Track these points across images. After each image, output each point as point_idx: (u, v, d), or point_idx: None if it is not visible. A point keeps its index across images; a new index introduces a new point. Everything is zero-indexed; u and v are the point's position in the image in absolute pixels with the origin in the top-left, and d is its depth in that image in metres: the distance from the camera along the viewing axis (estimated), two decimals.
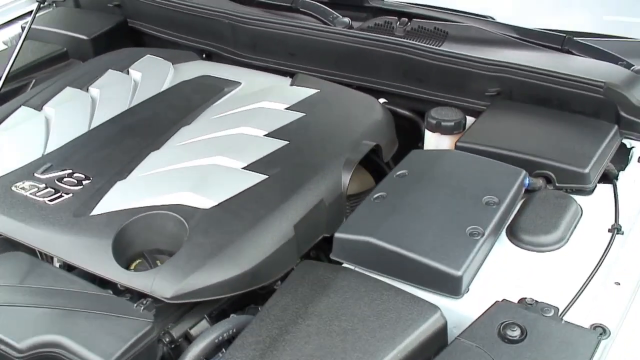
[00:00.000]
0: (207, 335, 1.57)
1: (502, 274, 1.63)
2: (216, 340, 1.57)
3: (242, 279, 1.65)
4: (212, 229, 1.71)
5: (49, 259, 1.81)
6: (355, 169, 2.08)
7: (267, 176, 1.87)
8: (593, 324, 1.44)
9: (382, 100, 2.40)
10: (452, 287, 1.56)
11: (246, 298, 1.76)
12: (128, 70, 2.47)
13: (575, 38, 2.35)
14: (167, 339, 1.61)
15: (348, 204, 1.99)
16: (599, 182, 1.91)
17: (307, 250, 1.84)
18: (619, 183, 1.90)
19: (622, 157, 2.04)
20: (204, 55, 2.79)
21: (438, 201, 1.74)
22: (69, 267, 1.75)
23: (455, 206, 1.72)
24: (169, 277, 1.60)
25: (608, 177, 1.93)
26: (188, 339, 1.64)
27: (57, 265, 1.79)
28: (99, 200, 1.80)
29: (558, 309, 1.48)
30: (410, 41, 2.37)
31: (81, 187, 1.86)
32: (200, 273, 1.61)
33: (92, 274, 1.68)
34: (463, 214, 1.68)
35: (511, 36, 2.39)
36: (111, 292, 1.63)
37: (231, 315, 1.68)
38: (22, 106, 2.25)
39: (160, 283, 1.59)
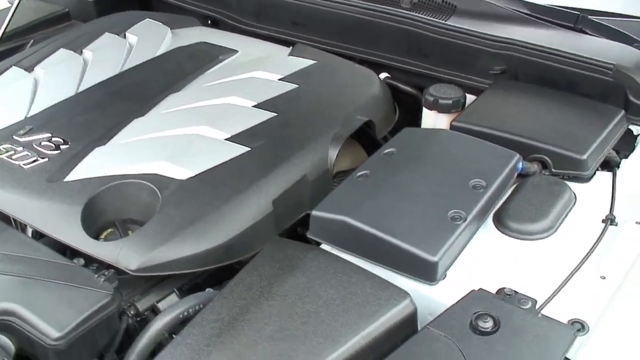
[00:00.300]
0: (172, 310, 1.52)
1: (484, 261, 1.55)
2: (181, 316, 1.51)
3: (213, 254, 1.60)
4: (186, 200, 1.65)
5: (22, 225, 1.77)
6: (350, 145, 2.01)
7: (249, 149, 1.80)
8: (571, 319, 1.36)
9: (383, 75, 2.32)
10: (427, 272, 1.48)
11: (223, 273, 1.70)
12: (125, 34, 2.41)
13: (589, 17, 2.22)
14: (132, 312, 1.56)
15: (337, 180, 1.91)
16: (600, 169, 1.81)
17: (287, 226, 1.77)
18: (619, 171, 1.79)
19: (628, 144, 1.93)
20: (209, 22, 2.73)
21: (423, 182, 1.66)
22: (40, 235, 1.71)
23: (440, 188, 1.64)
24: (135, 249, 1.55)
25: (609, 165, 1.83)
26: (155, 312, 1.59)
27: (30, 232, 1.75)
28: (75, 166, 1.76)
29: (536, 301, 1.39)
30: (416, 14, 2.27)
31: (58, 151, 1.81)
32: (169, 246, 1.56)
33: (63, 244, 1.63)
34: (447, 197, 1.60)
35: (522, 12, 2.27)
36: (78, 262, 1.58)
37: (207, 289, 1.63)
38: (13, 67, 2.21)
39: (126, 254, 1.54)
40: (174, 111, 1.98)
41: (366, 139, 2.12)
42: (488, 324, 1.33)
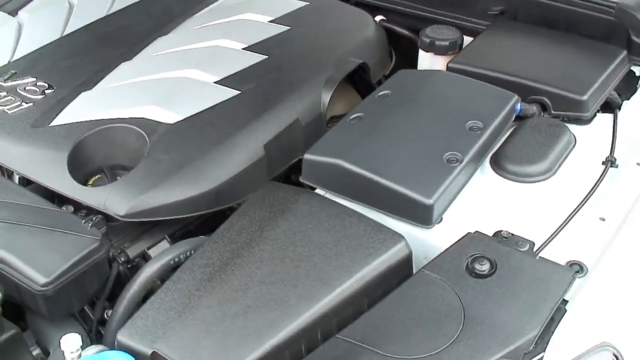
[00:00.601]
0: (163, 256, 1.48)
1: (481, 204, 1.51)
2: (172, 262, 1.48)
3: (203, 199, 1.56)
4: (174, 145, 1.61)
5: (9, 172, 1.73)
6: (344, 89, 1.96)
7: (239, 92, 1.75)
8: (570, 261, 1.33)
9: (379, 17, 2.25)
10: (422, 216, 1.45)
11: (216, 220, 1.67)
12: None
13: None
14: (123, 259, 1.53)
15: (331, 125, 1.86)
16: (600, 111, 1.76)
17: (280, 171, 1.73)
18: (620, 113, 1.75)
19: (630, 85, 1.88)
20: None
21: (418, 124, 1.62)
22: (27, 182, 1.67)
23: (435, 130, 1.59)
24: (123, 194, 1.51)
25: (610, 106, 1.78)
26: (146, 259, 1.56)
27: (17, 179, 1.71)
28: (60, 111, 1.70)
29: (534, 244, 1.36)
30: None
31: (43, 96, 1.76)
32: (157, 190, 1.52)
33: (51, 190, 1.59)
34: (443, 139, 1.56)
35: None
36: (66, 210, 1.54)
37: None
38: None
39: (114, 199, 1.50)
40: (162, 54, 1.92)
41: (361, 83, 2.07)
42: (484, 267, 1.31)
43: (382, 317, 1.24)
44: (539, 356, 1.17)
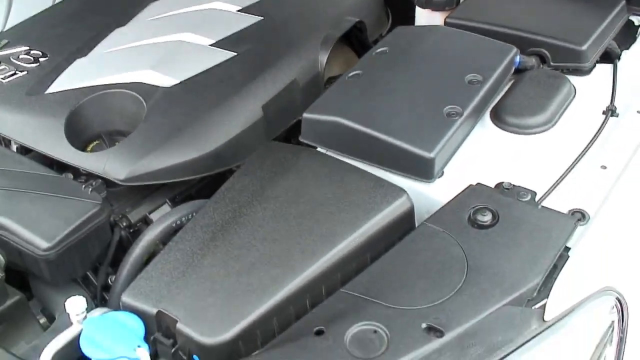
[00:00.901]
0: (165, 220, 1.48)
1: (482, 157, 1.51)
2: (174, 225, 1.48)
3: (203, 162, 1.56)
4: (172, 108, 1.60)
5: (6, 141, 1.72)
6: (342, 50, 1.94)
7: (235, 54, 1.73)
8: (572, 209, 1.33)
9: None
10: (424, 170, 1.44)
11: (217, 184, 1.66)
12: None
13: None
14: (124, 223, 1.53)
15: (329, 86, 1.85)
16: (600, 61, 1.74)
17: (279, 133, 1.72)
18: (620, 63, 1.73)
19: (629, 35, 1.86)
20: None
21: (417, 80, 1.60)
22: (26, 151, 1.66)
23: (435, 85, 1.58)
24: (123, 158, 1.51)
25: (610, 57, 1.76)
26: (147, 223, 1.56)
27: (15, 148, 1.70)
28: (55, 78, 1.69)
29: (535, 194, 1.36)
30: None
31: (37, 64, 1.74)
32: (156, 154, 1.52)
33: (50, 158, 1.59)
34: (442, 94, 1.54)
35: None
36: (65, 176, 1.54)
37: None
38: None
39: (113, 164, 1.50)
40: (156, 19, 1.91)
41: (358, 43, 2.05)
42: (487, 218, 1.30)
43: (386, 270, 1.24)
44: (542, 302, 1.17)
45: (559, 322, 1.15)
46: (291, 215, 1.34)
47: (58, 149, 1.54)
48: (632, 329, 1.22)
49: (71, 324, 1.26)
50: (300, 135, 1.59)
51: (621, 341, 1.21)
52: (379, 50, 1.72)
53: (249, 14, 1.88)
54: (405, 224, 1.37)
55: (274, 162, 1.46)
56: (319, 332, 1.15)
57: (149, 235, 1.46)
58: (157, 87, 1.64)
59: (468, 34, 1.74)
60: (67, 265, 1.38)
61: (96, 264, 1.50)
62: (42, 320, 1.45)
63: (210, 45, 1.77)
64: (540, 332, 1.14)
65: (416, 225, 1.39)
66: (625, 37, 1.85)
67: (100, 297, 1.50)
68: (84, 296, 1.28)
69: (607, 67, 1.73)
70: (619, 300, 1.21)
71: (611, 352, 1.20)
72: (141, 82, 1.65)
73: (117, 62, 1.74)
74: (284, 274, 1.24)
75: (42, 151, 1.56)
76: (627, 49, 1.80)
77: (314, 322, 1.17)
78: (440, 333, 1.12)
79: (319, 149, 1.56)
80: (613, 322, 1.20)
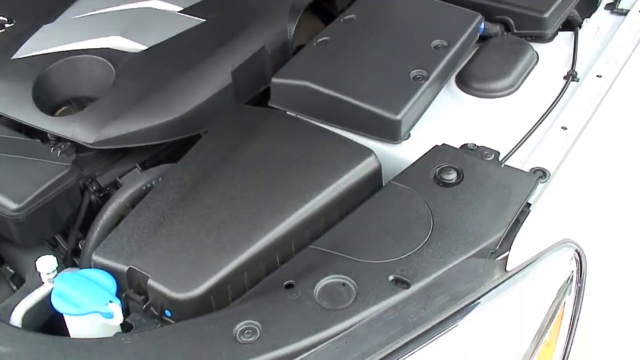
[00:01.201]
0: (134, 183, 1.49)
1: (447, 120, 1.54)
2: (144, 188, 1.49)
3: (172, 126, 1.56)
4: (141, 73, 1.60)
5: None
6: (310, 18, 1.95)
7: (204, 20, 1.74)
8: (534, 168, 1.37)
9: None
10: (390, 132, 1.47)
11: (186, 148, 1.67)
12: None
13: None
14: (94, 187, 1.53)
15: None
16: (562, 29, 1.79)
17: (249, 99, 1.73)
18: (581, 31, 1.77)
19: (590, 5, 1.90)
20: None
21: (384, 45, 1.63)
22: None
23: (401, 50, 1.61)
24: (92, 122, 1.51)
25: (571, 25, 1.81)
26: (117, 187, 1.56)
27: None
28: (21, 44, 1.68)
29: (499, 153, 1.40)
30: None
31: (2, 30, 1.73)
32: (126, 118, 1.52)
33: (19, 123, 1.58)
34: (409, 58, 1.57)
35: None
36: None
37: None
38: None
39: (82, 128, 1.50)
40: None
41: (326, 15, 2.07)
42: (452, 176, 1.34)
43: (354, 227, 1.27)
44: (505, 254, 1.21)
45: (520, 273, 1.20)
46: (260, 175, 1.36)
47: (26, 114, 1.54)
48: (589, 279, 1.27)
49: (42, 283, 1.26)
50: (269, 101, 1.61)
51: (579, 291, 1.26)
52: (346, 17, 1.74)
53: None
54: (372, 183, 1.39)
55: (243, 124, 1.48)
56: (289, 286, 1.18)
57: (119, 198, 1.46)
58: (126, 52, 1.63)
59: (434, 1, 1.77)
60: (36, 227, 1.39)
61: (66, 228, 1.50)
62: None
63: (179, 12, 1.77)
64: (503, 282, 1.18)
65: (383, 184, 1.42)
66: (587, 6, 1.89)
67: (71, 262, 1.50)
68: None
69: (568, 35, 1.77)
70: (578, 252, 1.25)
71: (570, 301, 1.25)
72: (109, 48, 1.64)
73: (85, 28, 1.73)
74: (254, 231, 1.26)
75: (9, 116, 1.55)
76: (589, 17, 1.84)
77: (283, 276, 1.20)
78: (406, 285, 1.16)
79: (288, 113, 1.58)
80: (572, 272, 1.25)
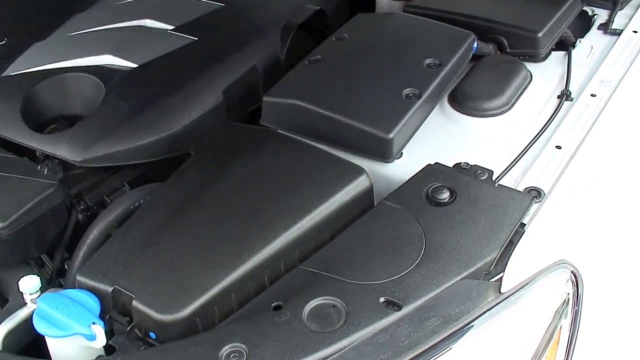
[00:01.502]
0: (122, 202, 1.46)
1: (440, 139, 1.52)
2: (131, 207, 1.46)
3: (161, 145, 1.54)
4: (131, 91, 1.59)
5: None
6: (302, 37, 1.94)
7: (196, 39, 1.73)
8: (528, 187, 1.35)
9: None
10: (382, 150, 1.45)
11: (176, 167, 1.65)
12: None
13: None
14: (82, 206, 1.51)
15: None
16: (555, 49, 1.78)
17: (240, 117, 1.71)
18: (575, 50, 1.77)
19: (584, 25, 1.90)
20: None
21: (376, 64, 1.62)
22: None
23: (394, 69, 1.60)
24: (80, 140, 1.49)
25: (565, 45, 1.80)
26: (105, 206, 1.54)
27: None
28: (12, 62, 1.66)
29: (492, 172, 1.38)
30: None
31: None
32: (115, 136, 1.50)
33: (7, 141, 1.56)
34: (401, 77, 1.56)
35: None
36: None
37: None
38: None
39: (71, 146, 1.48)
40: (117, 5, 1.89)
41: (318, 33, 2.06)
42: (444, 195, 1.32)
43: (344, 247, 1.25)
44: (499, 276, 1.18)
45: (515, 295, 1.17)
46: (250, 194, 1.34)
47: (14, 131, 1.52)
48: (586, 301, 1.24)
49: (25, 303, 1.23)
50: (261, 119, 1.59)
51: (576, 314, 1.23)
52: (338, 36, 1.73)
53: (210, 0, 1.87)
54: (364, 202, 1.37)
55: (233, 142, 1.46)
56: (277, 308, 1.15)
57: (106, 218, 1.43)
58: (116, 70, 1.62)
59: (427, 20, 1.76)
60: (21, 246, 1.36)
61: (52, 247, 1.47)
62: None
63: (171, 30, 1.76)
64: (497, 304, 1.15)
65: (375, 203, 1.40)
66: (581, 26, 1.89)
67: (56, 282, 1.47)
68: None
69: (561, 55, 1.76)
70: (574, 274, 1.23)
71: (566, 324, 1.22)
72: (100, 66, 1.63)
73: (76, 46, 1.72)
74: (242, 251, 1.23)
75: None
76: (582, 37, 1.83)
77: (272, 297, 1.17)
78: (398, 307, 1.13)
79: (279, 131, 1.56)
80: (568, 294, 1.22)
